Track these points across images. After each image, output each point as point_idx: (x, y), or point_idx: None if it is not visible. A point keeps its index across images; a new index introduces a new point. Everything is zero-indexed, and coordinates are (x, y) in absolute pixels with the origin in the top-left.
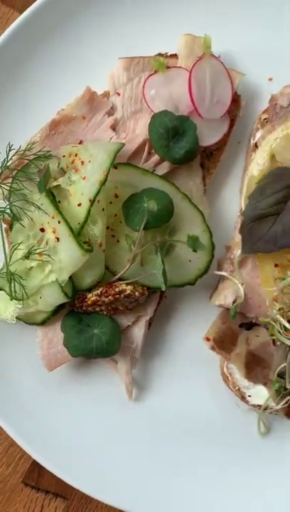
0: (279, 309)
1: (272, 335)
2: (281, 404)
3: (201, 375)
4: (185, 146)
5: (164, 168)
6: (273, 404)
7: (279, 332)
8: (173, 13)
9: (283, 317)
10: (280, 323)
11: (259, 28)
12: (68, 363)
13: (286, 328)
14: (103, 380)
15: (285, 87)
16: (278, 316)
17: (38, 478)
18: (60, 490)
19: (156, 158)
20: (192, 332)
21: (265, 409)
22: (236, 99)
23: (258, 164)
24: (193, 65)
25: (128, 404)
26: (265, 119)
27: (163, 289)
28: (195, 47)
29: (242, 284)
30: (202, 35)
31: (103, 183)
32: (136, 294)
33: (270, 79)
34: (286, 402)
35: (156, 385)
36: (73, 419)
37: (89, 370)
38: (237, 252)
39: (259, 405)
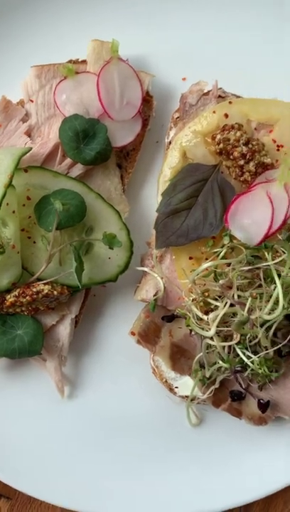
0: (193, 300)
1: (189, 325)
2: (207, 393)
3: (132, 370)
4: (95, 148)
5: (78, 169)
6: (200, 395)
7: (193, 322)
8: (85, 20)
9: (196, 307)
10: (193, 313)
11: (170, 30)
12: (0, 364)
13: (199, 318)
14: (36, 380)
15: (193, 86)
16: (192, 307)
17: None
18: (4, 490)
19: (69, 160)
20: (121, 328)
21: (192, 399)
22: (148, 100)
23: (171, 162)
24: (101, 69)
25: (62, 402)
26: (177, 117)
27: (80, 286)
28: (103, 52)
29: (162, 278)
30: (110, 41)
31: (8, 186)
32: (55, 293)
33: (184, 79)
34: (211, 392)
35: (88, 382)
36: (8, 420)
37: (23, 369)
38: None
39: (186, 396)
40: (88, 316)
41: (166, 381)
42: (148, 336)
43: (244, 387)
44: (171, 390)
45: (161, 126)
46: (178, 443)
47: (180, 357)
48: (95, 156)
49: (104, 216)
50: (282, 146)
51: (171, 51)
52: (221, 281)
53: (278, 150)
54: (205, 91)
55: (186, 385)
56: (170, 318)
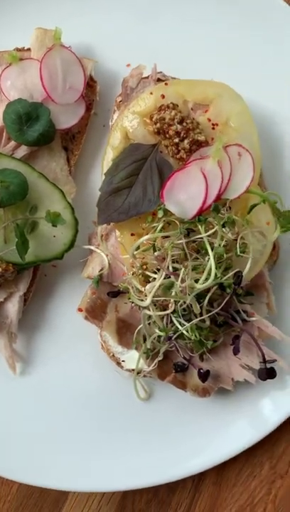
0: (133, 273)
1: (130, 298)
2: (152, 366)
3: (83, 346)
4: (38, 130)
5: (23, 151)
6: (145, 367)
7: (133, 295)
8: (30, 10)
9: (136, 280)
10: (134, 286)
11: (114, 18)
12: None
13: (139, 291)
14: None
15: (133, 70)
16: (132, 280)
17: None
18: None
19: (14, 142)
20: (71, 306)
21: (138, 372)
22: (92, 85)
23: (113, 143)
24: (43, 56)
25: (14, 379)
26: (120, 101)
27: (23, 262)
28: (46, 39)
29: (107, 256)
30: (53, 29)
31: None
32: None
33: (128, 65)
34: (155, 364)
35: (40, 359)
36: None
37: None
38: (100, 226)
39: (133, 369)
40: (39, 295)
41: (113, 355)
42: (95, 312)
43: (186, 358)
44: (119, 364)
45: (108, 110)
46: (128, 417)
47: (126, 331)
48: (38, 137)
49: (48, 195)
50: (217, 125)
51: (116, 38)
52: (156, 253)
53: (213, 128)
54: (146, 75)
55: (133, 358)
56: (116, 293)
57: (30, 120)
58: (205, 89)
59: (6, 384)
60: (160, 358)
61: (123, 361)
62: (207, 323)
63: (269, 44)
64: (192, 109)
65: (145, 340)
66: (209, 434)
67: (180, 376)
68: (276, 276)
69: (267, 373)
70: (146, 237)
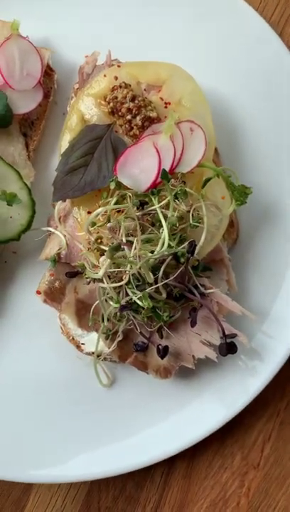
0: (88, 249)
1: (85, 274)
2: (112, 347)
3: (44, 332)
4: None
5: None
6: (106, 349)
7: (89, 271)
8: None
9: (91, 255)
10: (89, 262)
11: (75, 11)
12: None
13: (95, 266)
14: None
15: (88, 57)
16: (87, 255)
17: None
18: None
19: None
20: (32, 291)
21: (99, 355)
22: (50, 74)
23: (70, 125)
24: (0, 45)
25: None
26: (78, 88)
27: None
28: (5, 31)
29: (65, 236)
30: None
31: None
32: None
33: (86, 56)
34: (115, 345)
35: (1, 345)
36: None
37: None
38: (57, 206)
39: (93, 352)
40: None
41: (73, 338)
42: (53, 294)
43: (145, 335)
44: (78, 347)
45: (67, 100)
46: (91, 404)
47: (85, 313)
48: None
49: (4, 176)
50: (169, 104)
51: (76, 31)
52: (108, 224)
53: (166, 107)
54: (102, 62)
55: (92, 341)
56: (74, 273)
57: None
58: (157, 70)
59: None
60: (119, 338)
61: (83, 344)
62: (164, 295)
63: (222, 29)
64: (145, 89)
65: (103, 319)
66: (176, 418)
67: (141, 356)
68: (238, 256)
69: (227, 348)
70: (99, 209)
